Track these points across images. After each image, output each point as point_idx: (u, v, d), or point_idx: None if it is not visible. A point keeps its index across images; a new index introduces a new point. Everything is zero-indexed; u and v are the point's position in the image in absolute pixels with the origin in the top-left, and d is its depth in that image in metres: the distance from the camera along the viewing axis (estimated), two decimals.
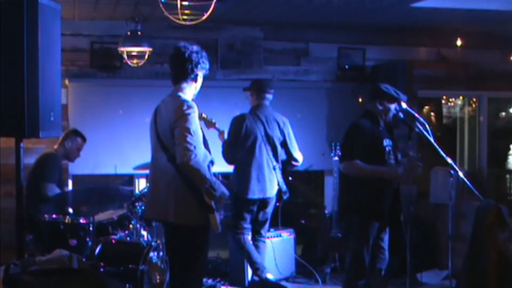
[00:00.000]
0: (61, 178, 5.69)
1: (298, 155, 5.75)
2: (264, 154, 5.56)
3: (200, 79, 4.05)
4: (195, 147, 3.72)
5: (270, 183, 5.60)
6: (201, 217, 3.90)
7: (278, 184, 5.63)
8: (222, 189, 3.85)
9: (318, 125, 7.01)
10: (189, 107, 3.82)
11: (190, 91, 4.01)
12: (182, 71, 3.95)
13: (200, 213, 3.89)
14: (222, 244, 6.20)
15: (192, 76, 3.97)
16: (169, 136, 3.83)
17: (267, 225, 5.79)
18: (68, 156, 5.75)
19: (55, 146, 5.70)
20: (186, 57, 3.93)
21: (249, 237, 5.66)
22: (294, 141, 5.75)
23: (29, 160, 5.36)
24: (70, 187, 6.30)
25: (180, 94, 3.96)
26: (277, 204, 5.77)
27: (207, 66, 4.04)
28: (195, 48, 3.98)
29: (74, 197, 5.47)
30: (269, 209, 5.70)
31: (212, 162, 3.98)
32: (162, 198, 3.95)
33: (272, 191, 5.61)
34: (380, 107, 4.71)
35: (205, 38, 6.68)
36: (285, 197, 5.70)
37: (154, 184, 4.08)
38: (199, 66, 3.96)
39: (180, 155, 3.69)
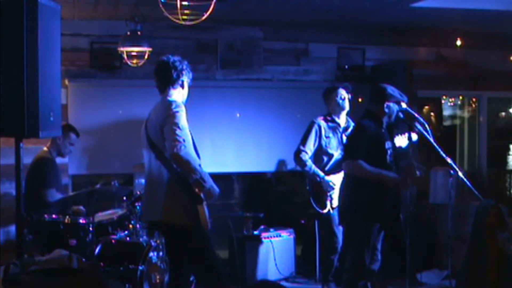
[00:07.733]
0: (60, 180, 5.65)
1: None
2: None
3: (186, 87, 4.15)
4: (184, 140, 3.78)
5: None
6: (191, 215, 3.91)
7: None
8: (212, 183, 3.89)
9: None
10: (177, 106, 3.92)
11: (178, 97, 4.09)
12: (168, 78, 4.08)
13: (190, 211, 3.91)
14: (221, 244, 6.19)
15: (179, 82, 4.09)
16: (159, 134, 3.91)
17: None
18: (60, 152, 5.63)
19: (47, 144, 5.63)
20: (171, 65, 4.07)
21: None
22: None
23: (29, 160, 5.35)
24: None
25: (168, 98, 4.05)
26: None
27: (191, 74, 4.16)
28: (176, 57, 4.12)
29: (75, 201, 5.43)
30: None
31: (199, 166, 3.98)
32: (153, 200, 4.03)
33: None
34: (386, 110, 4.71)
35: (205, 38, 6.68)
36: None
37: (148, 189, 4.17)
38: (184, 72, 4.09)
39: (170, 147, 3.76)
